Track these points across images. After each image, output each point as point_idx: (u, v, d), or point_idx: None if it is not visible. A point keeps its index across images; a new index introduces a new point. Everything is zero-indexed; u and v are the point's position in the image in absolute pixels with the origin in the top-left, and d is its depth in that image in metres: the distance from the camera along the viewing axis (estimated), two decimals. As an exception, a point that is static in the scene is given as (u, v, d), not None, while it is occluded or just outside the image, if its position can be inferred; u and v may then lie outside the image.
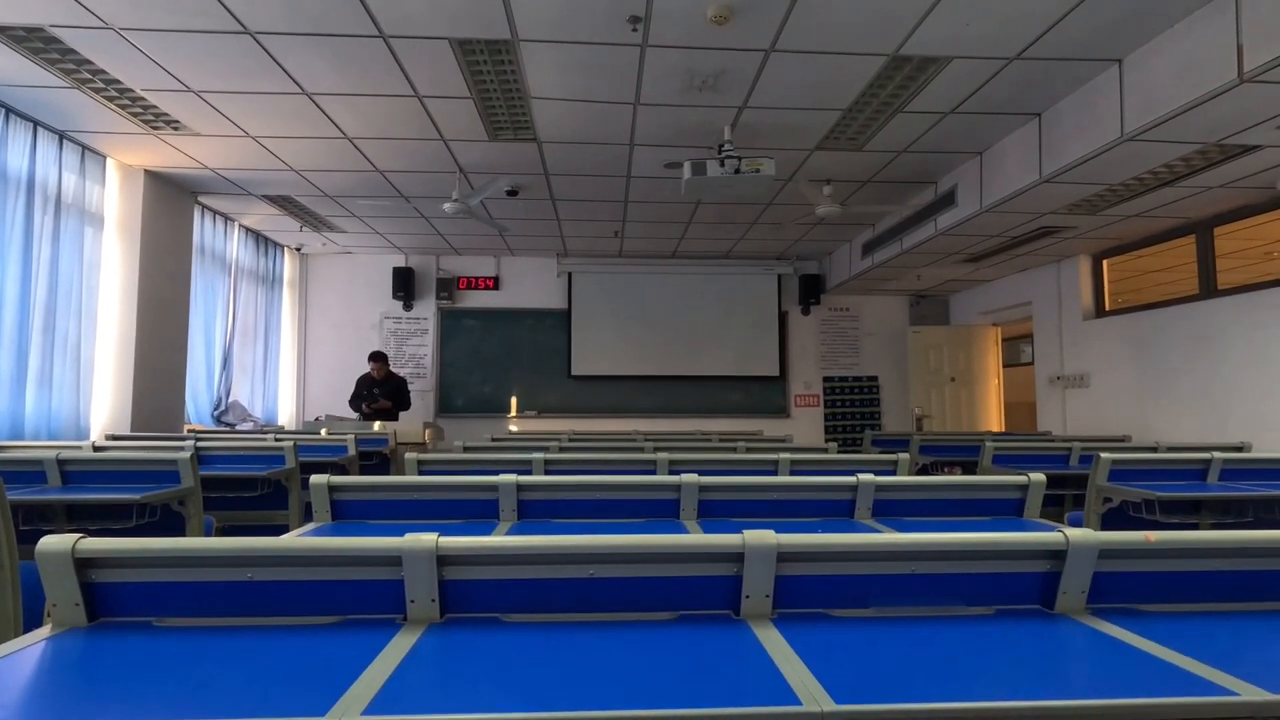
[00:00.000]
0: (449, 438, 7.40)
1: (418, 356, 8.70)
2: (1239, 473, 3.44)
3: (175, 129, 4.79)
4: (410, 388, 7.60)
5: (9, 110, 4.47)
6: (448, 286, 8.69)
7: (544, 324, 8.81)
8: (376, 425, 6.40)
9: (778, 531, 1.27)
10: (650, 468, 3.02)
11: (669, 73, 3.96)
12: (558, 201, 6.48)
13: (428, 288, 8.73)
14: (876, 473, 2.38)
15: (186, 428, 6.18)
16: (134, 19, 3.43)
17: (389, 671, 1.02)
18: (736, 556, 1.27)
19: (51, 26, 3.49)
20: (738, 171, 4.35)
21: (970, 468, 4.69)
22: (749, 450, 3.83)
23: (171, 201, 5.93)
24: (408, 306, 8.71)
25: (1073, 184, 4.74)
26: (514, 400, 8.72)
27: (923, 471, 4.89)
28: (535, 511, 2.22)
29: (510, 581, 1.26)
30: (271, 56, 3.79)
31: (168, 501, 2.85)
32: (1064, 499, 3.96)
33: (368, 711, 0.90)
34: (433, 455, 2.93)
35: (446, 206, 5.48)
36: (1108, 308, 6.93)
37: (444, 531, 1.25)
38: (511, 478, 2.18)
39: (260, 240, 7.75)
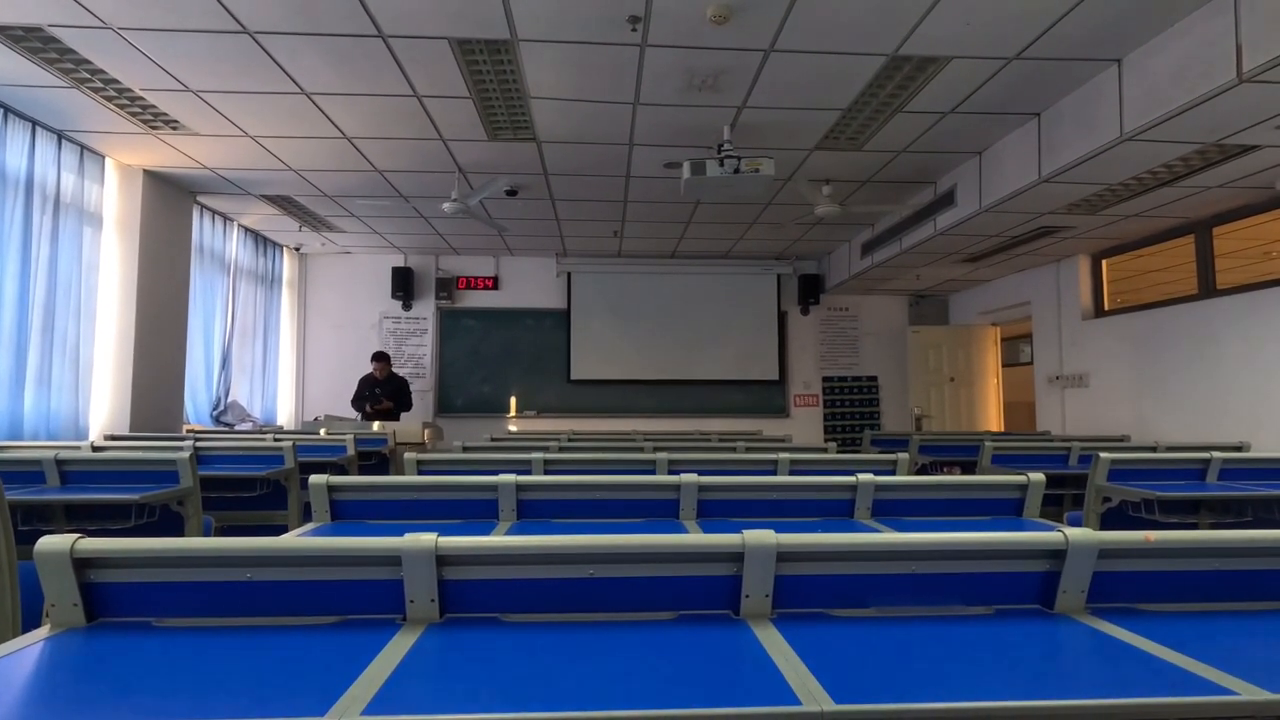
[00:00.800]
0: (448, 438, 7.40)
1: (417, 356, 8.70)
2: (1238, 472, 3.44)
3: (174, 129, 4.79)
4: (411, 388, 7.60)
5: (7, 110, 4.47)
6: (447, 286, 8.68)
7: (543, 324, 8.81)
8: (376, 425, 6.41)
9: (777, 531, 1.27)
10: (650, 468, 3.02)
11: (668, 72, 3.96)
12: (557, 201, 6.48)
13: (427, 288, 8.73)
14: (876, 473, 2.38)
15: (185, 428, 6.18)
16: (133, 18, 3.43)
17: (388, 671, 1.02)
18: (736, 556, 1.27)
19: (50, 26, 3.48)
20: (737, 171, 4.35)
21: (969, 467, 4.70)
22: (748, 450, 3.83)
23: (170, 201, 5.93)
24: (407, 306, 8.71)
25: (1072, 184, 4.74)
26: (513, 400, 8.72)
27: (922, 471, 4.89)
28: (535, 511, 2.22)
29: (510, 581, 1.26)
30: (270, 56, 3.79)
31: (167, 502, 2.84)
32: (1063, 499, 3.96)
33: (367, 711, 0.90)
34: (432, 455, 2.93)
35: (446, 206, 5.47)
36: (1107, 308, 6.93)
37: (443, 531, 1.25)
38: (511, 478, 2.18)
39: (259, 240, 7.74)
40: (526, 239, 7.95)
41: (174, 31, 3.54)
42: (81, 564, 1.18)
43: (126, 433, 5.30)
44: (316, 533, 1.96)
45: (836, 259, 8.58)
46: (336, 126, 4.75)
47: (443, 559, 1.23)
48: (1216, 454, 3.39)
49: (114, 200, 5.48)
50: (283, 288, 8.28)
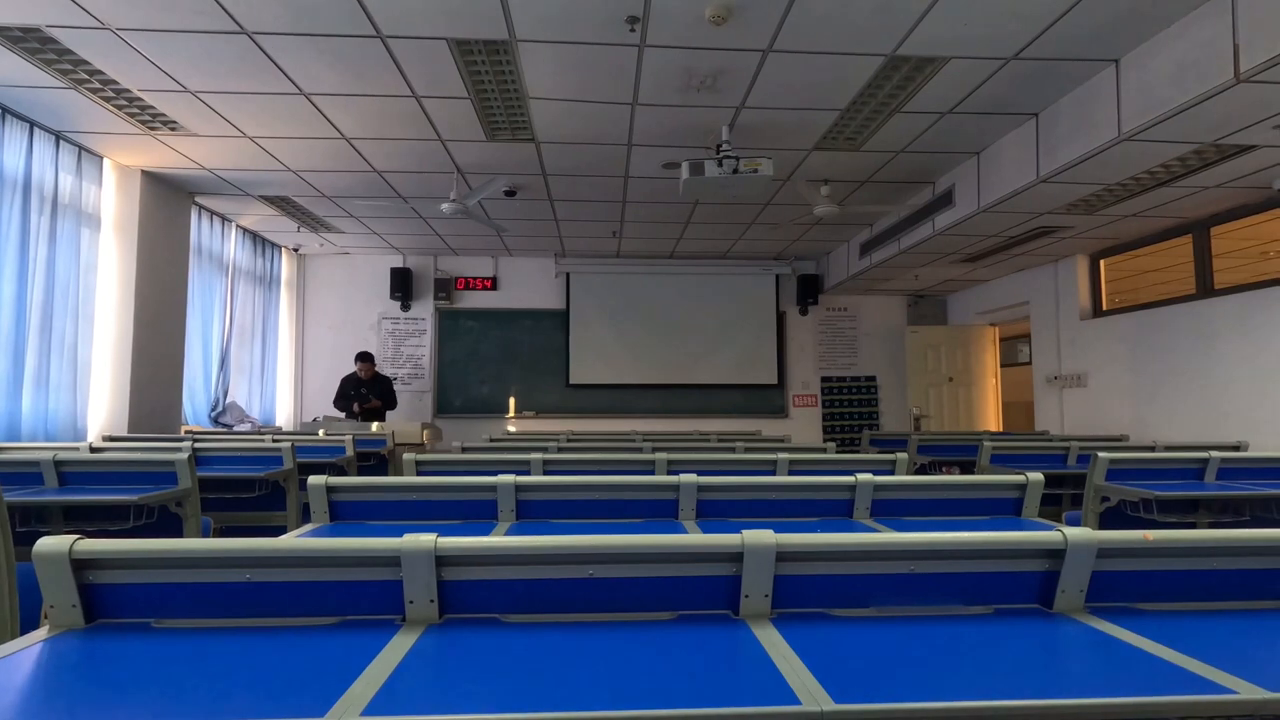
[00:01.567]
0: (447, 438, 7.40)
1: (416, 357, 8.69)
2: (1236, 472, 3.44)
3: (172, 129, 4.79)
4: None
5: (5, 110, 4.46)
6: (445, 287, 8.68)
7: (542, 324, 8.80)
8: (375, 426, 6.41)
9: (776, 531, 1.27)
10: (649, 468, 3.02)
11: (667, 73, 3.96)
12: (555, 202, 6.48)
13: (425, 288, 8.72)
14: (875, 472, 2.38)
15: (184, 429, 6.17)
16: (131, 19, 3.42)
17: (388, 672, 1.02)
18: (735, 556, 1.27)
19: (48, 26, 3.48)
20: (736, 172, 4.36)
21: (968, 467, 4.70)
22: (747, 450, 3.83)
23: (168, 202, 5.92)
24: (405, 307, 8.70)
25: (1070, 184, 4.75)
26: (512, 401, 8.72)
27: (921, 471, 4.90)
28: (534, 512, 2.22)
29: (509, 582, 1.26)
30: (269, 57, 3.78)
31: (165, 502, 2.84)
32: (1062, 498, 3.96)
33: (367, 712, 0.90)
34: (431, 456, 2.93)
35: (444, 207, 5.47)
36: (1105, 307, 6.94)
37: (443, 532, 1.24)
38: (510, 478, 2.17)
39: (258, 241, 7.74)
40: (525, 239, 7.95)
41: (172, 32, 3.54)
42: (80, 565, 1.18)
43: (125, 434, 5.29)
44: (315, 533, 1.96)
45: (835, 259, 8.58)
46: (335, 127, 4.75)
47: (442, 559, 1.23)
48: (1214, 453, 3.40)
49: (112, 201, 5.47)
50: (281, 288, 8.27)
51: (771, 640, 1.16)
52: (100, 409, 5.37)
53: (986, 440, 4.27)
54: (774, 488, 2.29)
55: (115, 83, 4.08)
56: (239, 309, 7.27)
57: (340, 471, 4.18)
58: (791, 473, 2.97)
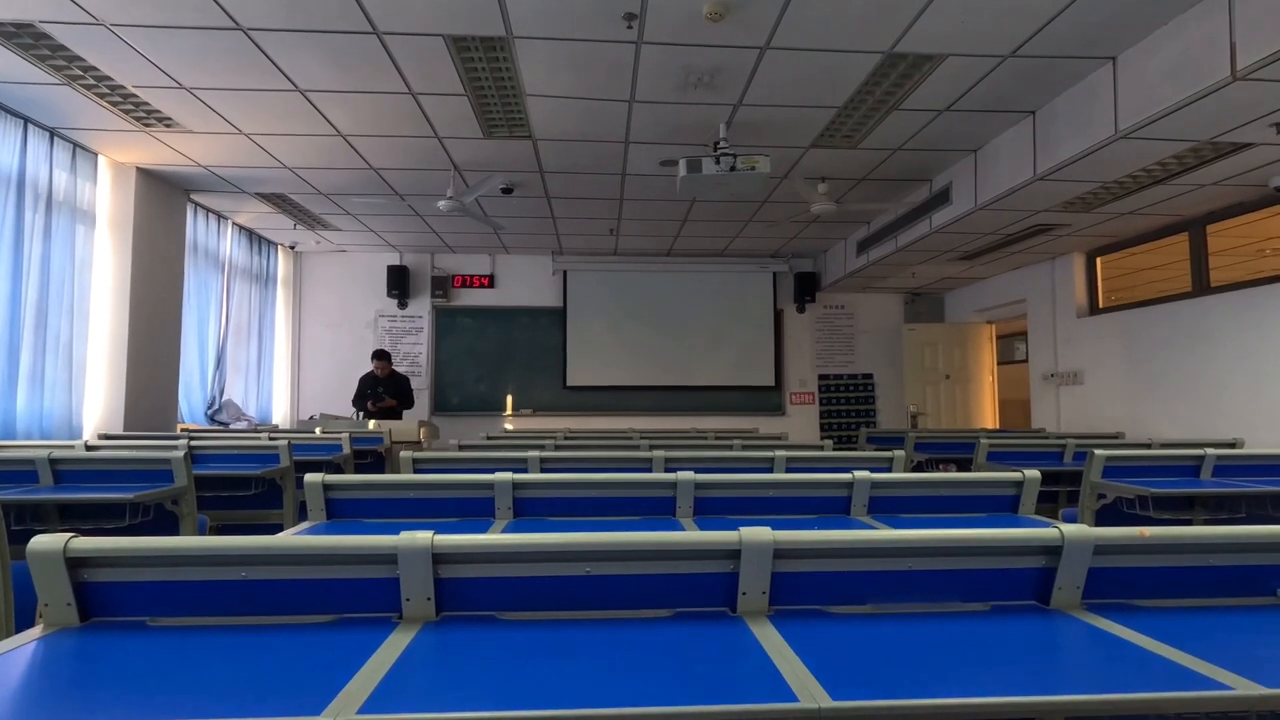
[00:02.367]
0: (444, 436, 7.40)
1: (413, 355, 8.68)
2: (1231, 469, 3.45)
3: (167, 126, 4.77)
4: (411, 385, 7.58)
5: (-1, 107, 4.45)
6: (442, 284, 8.67)
7: (539, 322, 8.80)
8: (372, 424, 6.39)
9: (774, 529, 1.27)
10: (646, 466, 3.02)
11: (664, 70, 3.95)
12: (553, 199, 6.47)
13: (422, 286, 8.71)
14: (872, 470, 2.38)
15: (180, 427, 6.15)
16: (125, 15, 3.40)
17: (384, 670, 1.02)
18: (733, 553, 1.27)
19: (41, 22, 3.46)
20: (733, 169, 4.35)
21: (965, 465, 4.71)
22: (745, 448, 3.83)
23: (164, 199, 5.90)
24: (402, 305, 8.69)
25: (1067, 182, 4.75)
26: (509, 398, 8.71)
27: (918, 468, 4.91)
28: (531, 510, 2.22)
29: (506, 579, 1.26)
30: (264, 53, 3.77)
31: (161, 501, 2.83)
32: (1058, 495, 3.97)
33: (363, 710, 0.90)
34: (428, 454, 2.92)
35: (441, 204, 5.46)
36: (1101, 305, 6.95)
37: (440, 530, 1.24)
38: (507, 476, 2.17)
39: (254, 238, 7.71)
40: (522, 237, 7.94)
41: (166, 28, 3.52)
42: (75, 563, 1.18)
43: (120, 432, 5.27)
44: (312, 531, 1.95)
45: (832, 257, 8.59)
46: (331, 124, 4.73)
47: (439, 557, 1.23)
48: (1210, 451, 3.40)
49: (107, 198, 5.45)
50: (277, 286, 8.25)
51: (769, 637, 1.16)
52: (96, 407, 5.36)
53: (983, 438, 4.27)
54: (771, 485, 2.29)
55: (110, 79, 4.06)
56: (235, 306, 7.25)
57: (337, 469, 4.17)
58: (789, 470, 2.98)
